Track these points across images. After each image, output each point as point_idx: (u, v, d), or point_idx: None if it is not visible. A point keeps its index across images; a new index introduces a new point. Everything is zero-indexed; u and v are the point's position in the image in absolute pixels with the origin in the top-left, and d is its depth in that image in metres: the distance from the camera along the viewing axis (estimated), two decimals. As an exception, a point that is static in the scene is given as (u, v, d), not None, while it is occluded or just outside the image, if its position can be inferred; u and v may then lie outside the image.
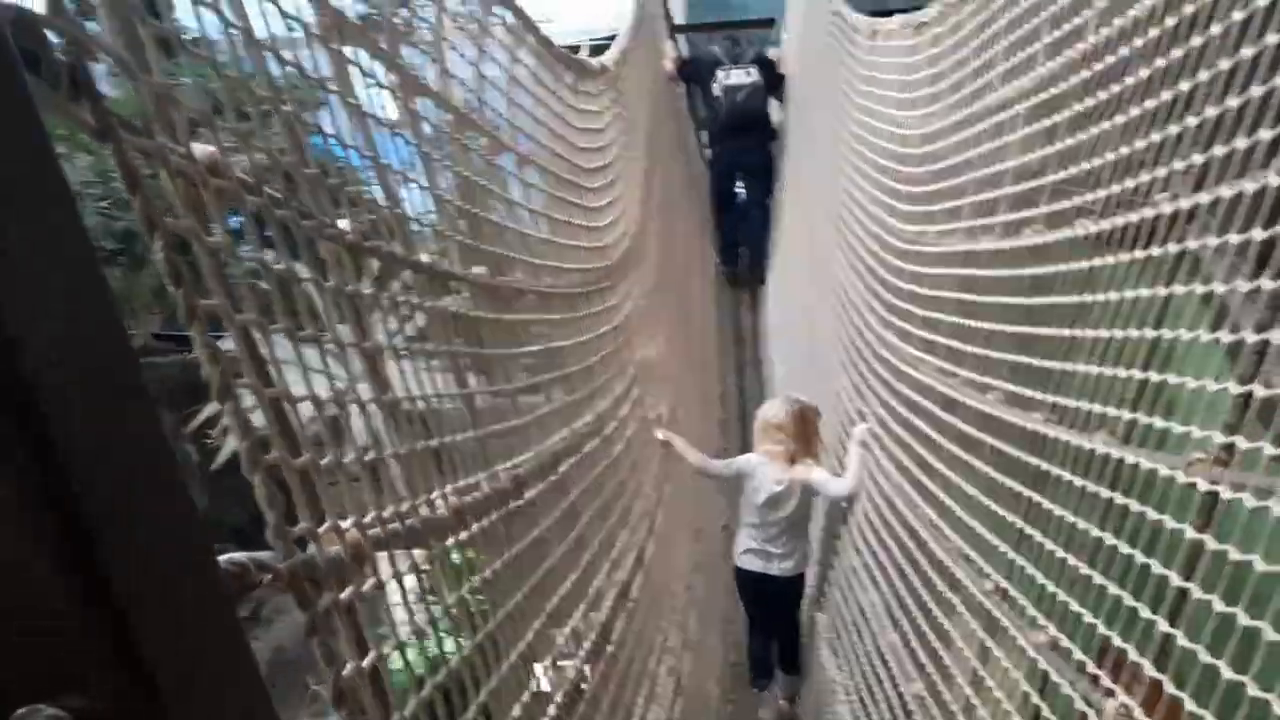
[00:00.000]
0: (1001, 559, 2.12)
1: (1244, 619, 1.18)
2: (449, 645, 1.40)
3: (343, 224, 1.27)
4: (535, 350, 2.35)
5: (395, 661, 1.14)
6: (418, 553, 1.35)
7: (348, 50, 1.47)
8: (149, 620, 0.60)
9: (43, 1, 0.73)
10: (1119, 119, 1.88)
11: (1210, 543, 1.34)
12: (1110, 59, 1.94)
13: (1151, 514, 1.47)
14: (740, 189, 8.03)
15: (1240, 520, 1.28)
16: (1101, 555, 1.63)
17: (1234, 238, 1.38)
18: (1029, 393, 2.16)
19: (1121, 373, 1.71)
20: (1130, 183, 1.80)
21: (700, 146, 8.57)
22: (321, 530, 1.00)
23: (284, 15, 1.21)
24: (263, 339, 0.99)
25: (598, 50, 4.50)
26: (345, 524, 1.07)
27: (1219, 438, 1.36)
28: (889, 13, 4.47)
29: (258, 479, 0.88)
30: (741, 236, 8.11)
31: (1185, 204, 1.59)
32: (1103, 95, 1.96)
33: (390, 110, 1.74)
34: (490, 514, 1.62)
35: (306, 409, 1.04)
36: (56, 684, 0.59)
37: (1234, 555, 1.26)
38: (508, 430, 1.93)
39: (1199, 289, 1.51)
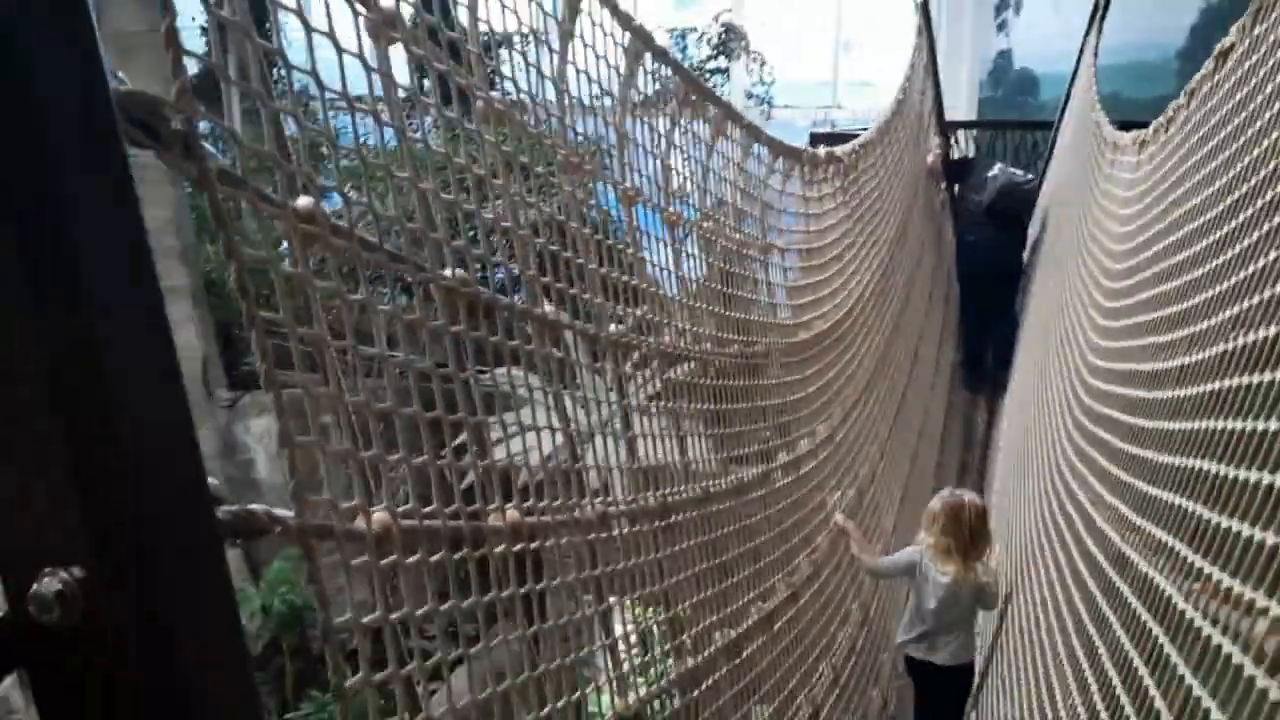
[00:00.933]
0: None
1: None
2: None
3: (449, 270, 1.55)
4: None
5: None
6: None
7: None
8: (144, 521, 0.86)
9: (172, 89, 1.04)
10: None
11: None
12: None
13: None
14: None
15: None
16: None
17: None
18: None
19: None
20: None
21: (957, 245, 8.48)
22: (346, 506, 1.26)
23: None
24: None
25: (825, 139, 4.72)
26: (375, 508, 1.32)
27: None
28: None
29: (286, 453, 1.14)
30: (986, 341, 7.96)
31: None
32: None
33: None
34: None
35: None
36: (63, 554, 0.85)
37: None
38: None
39: None
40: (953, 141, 8.67)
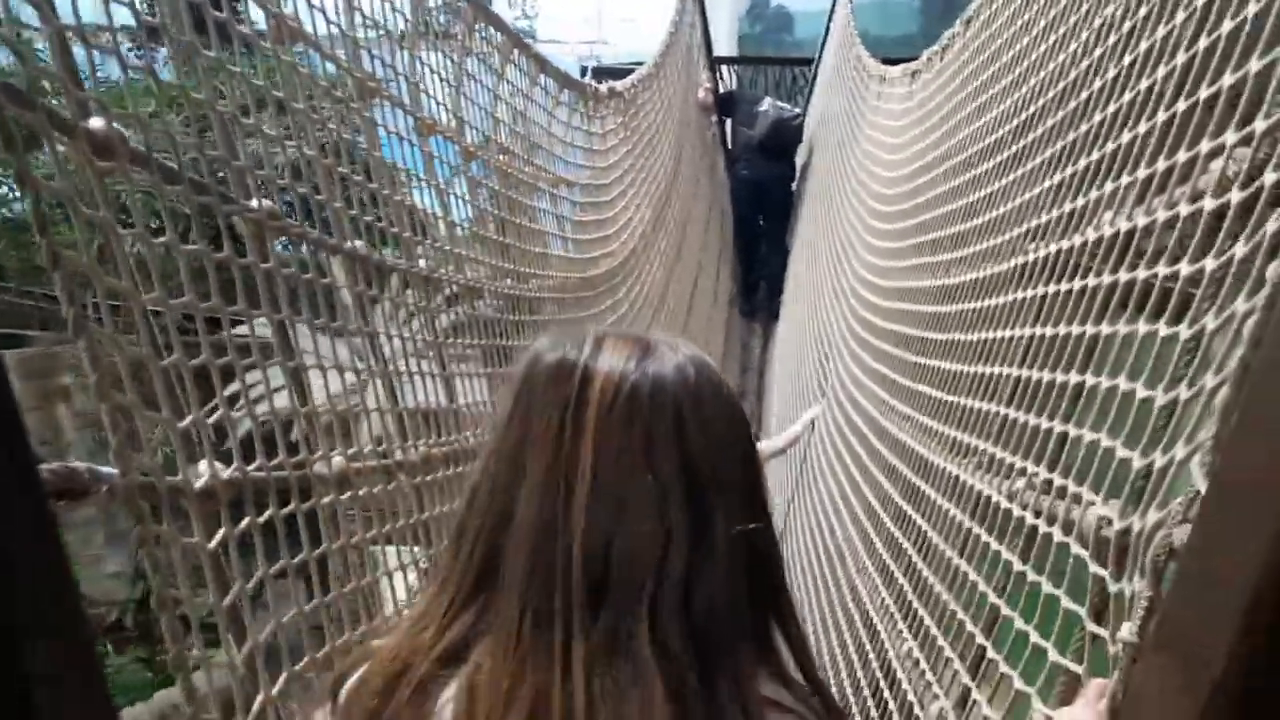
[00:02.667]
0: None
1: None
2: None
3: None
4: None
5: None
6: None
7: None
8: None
9: None
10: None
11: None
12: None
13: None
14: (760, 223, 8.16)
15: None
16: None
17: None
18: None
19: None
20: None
21: (730, 179, 8.71)
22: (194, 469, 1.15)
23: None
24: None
25: (606, 73, 4.70)
26: (202, 471, 1.22)
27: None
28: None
29: (104, 409, 1.03)
30: (760, 271, 8.26)
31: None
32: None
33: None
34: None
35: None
36: None
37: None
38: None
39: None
40: (719, 77, 8.83)
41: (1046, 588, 1.35)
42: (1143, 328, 1.29)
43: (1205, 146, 1.25)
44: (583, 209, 3.86)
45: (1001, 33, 2.46)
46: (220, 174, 1.41)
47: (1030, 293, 1.83)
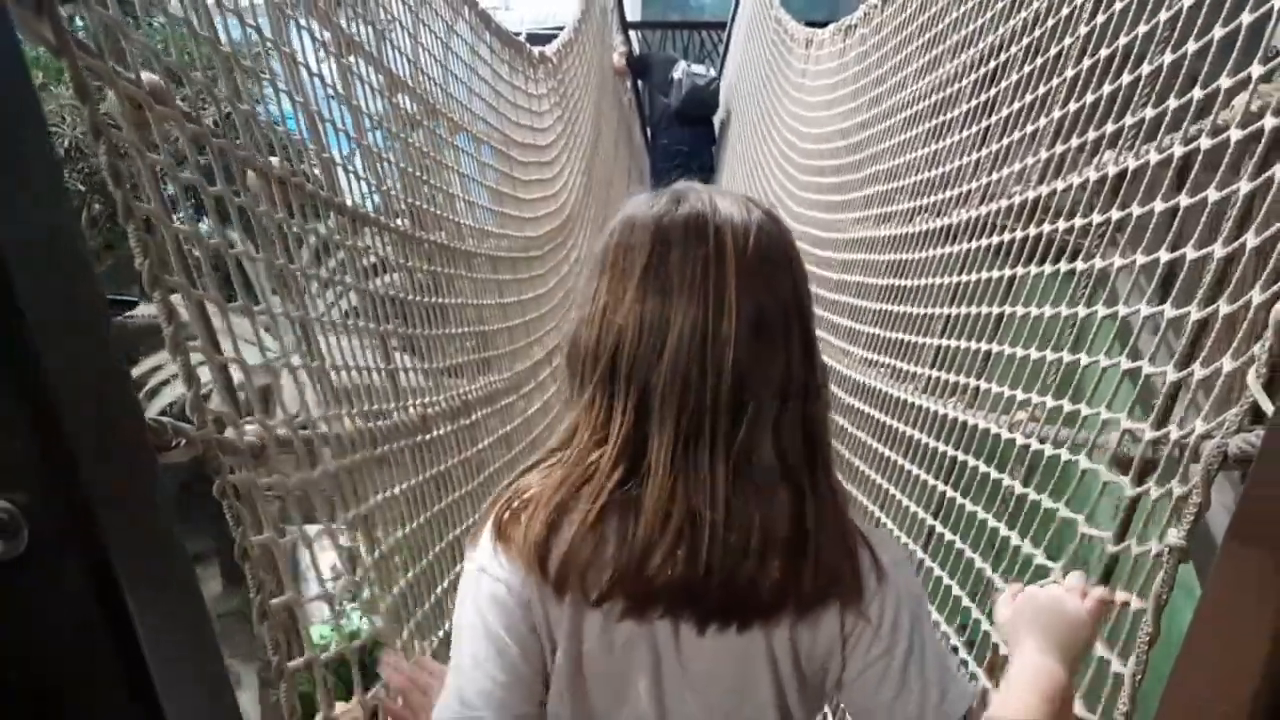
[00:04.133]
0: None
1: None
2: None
3: (274, 160, 1.41)
4: (457, 306, 2.50)
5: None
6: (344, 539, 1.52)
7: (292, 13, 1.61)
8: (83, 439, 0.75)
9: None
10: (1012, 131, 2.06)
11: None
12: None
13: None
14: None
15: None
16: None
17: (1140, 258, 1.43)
18: (951, 377, 2.18)
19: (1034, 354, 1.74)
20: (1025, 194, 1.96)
21: (645, 142, 8.72)
22: (240, 421, 1.14)
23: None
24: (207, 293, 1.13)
25: (541, 39, 4.67)
26: (252, 424, 1.21)
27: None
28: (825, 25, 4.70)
29: (180, 360, 1.02)
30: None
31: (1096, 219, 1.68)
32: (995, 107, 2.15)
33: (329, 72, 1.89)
34: (399, 441, 1.77)
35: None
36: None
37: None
38: (420, 372, 2.09)
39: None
40: (629, 42, 8.81)
41: (1064, 511, 1.43)
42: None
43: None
44: (525, 169, 3.84)
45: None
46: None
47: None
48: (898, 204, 2.84)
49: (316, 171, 1.69)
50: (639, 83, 8.46)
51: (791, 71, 5.15)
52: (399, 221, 2.09)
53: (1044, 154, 1.90)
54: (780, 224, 0.90)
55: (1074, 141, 1.79)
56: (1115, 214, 1.50)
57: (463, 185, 2.83)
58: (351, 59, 1.92)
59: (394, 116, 2.21)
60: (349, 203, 1.80)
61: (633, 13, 12.11)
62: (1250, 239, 1.12)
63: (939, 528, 1.96)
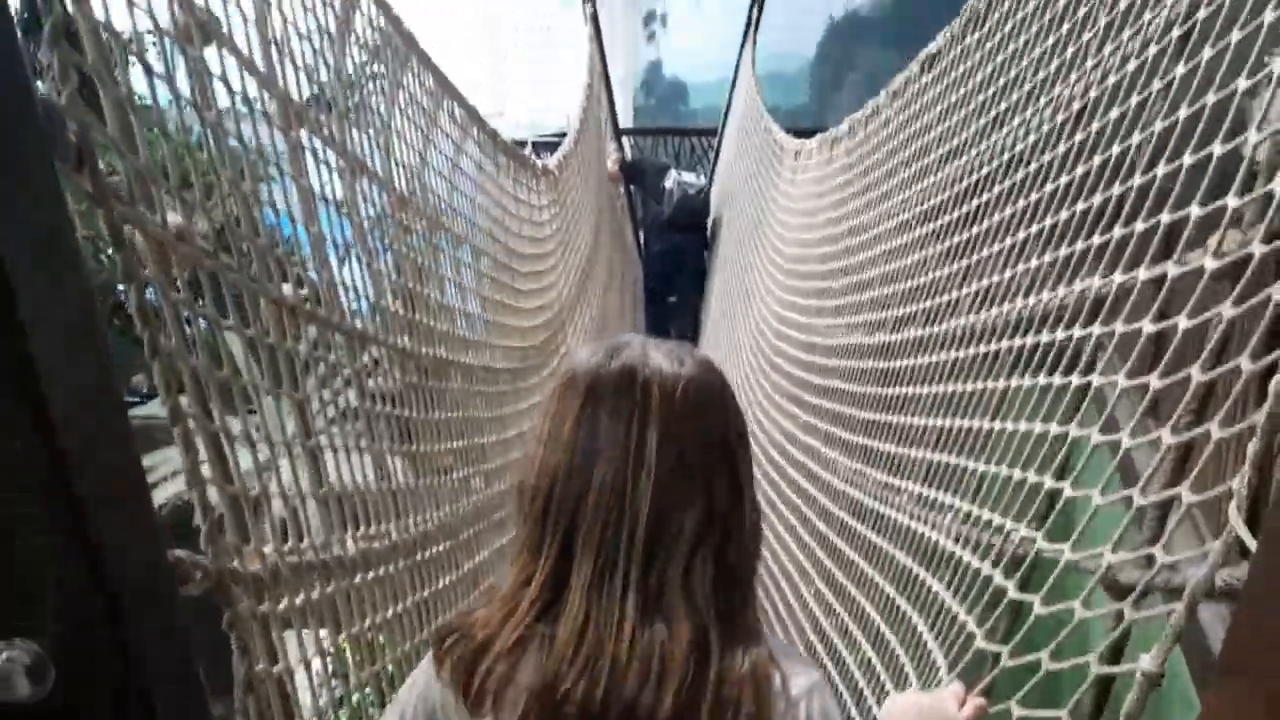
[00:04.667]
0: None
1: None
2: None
3: (286, 289, 1.46)
4: (456, 419, 2.53)
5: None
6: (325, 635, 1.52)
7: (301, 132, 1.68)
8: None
9: (65, 94, 0.93)
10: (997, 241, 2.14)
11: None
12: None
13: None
14: (672, 299, 8.33)
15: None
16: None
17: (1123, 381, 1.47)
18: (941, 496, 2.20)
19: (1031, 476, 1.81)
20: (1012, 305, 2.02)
21: (638, 245, 8.86)
22: (248, 549, 1.17)
23: (240, 97, 1.42)
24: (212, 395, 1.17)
25: (544, 146, 4.79)
26: (266, 549, 1.24)
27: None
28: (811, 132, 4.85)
29: (196, 494, 1.05)
30: (672, 333, 8.40)
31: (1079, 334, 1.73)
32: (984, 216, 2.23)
33: (336, 191, 1.95)
34: (395, 563, 1.79)
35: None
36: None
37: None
38: (420, 489, 2.11)
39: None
40: (621, 147, 9.03)
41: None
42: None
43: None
44: (525, 279, 3.92)
45: (935, 105, 2.64)
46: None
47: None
48: (890, 310, 2.90)
49: (318, 284, 1.74)
50: (631, 187, 8.64)
51: (780, 180, 5.29)
52: (403, 339, 2.14)
53: (1024, 266, 1.97)
54: (714, 371, 0.98)
55: (1062, 250, 1.84)
56: (1097, 329, 1.54)
57: (463, 298, 2.89)
58: (363, 182, 1.99)
59: (399, 234, 2.27)
60: (356, 324, 1.84)
61: (625, 119, 12.43)
62: (1245, 362, 1.16)
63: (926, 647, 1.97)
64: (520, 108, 13.80)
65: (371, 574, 1.65)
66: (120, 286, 1.80)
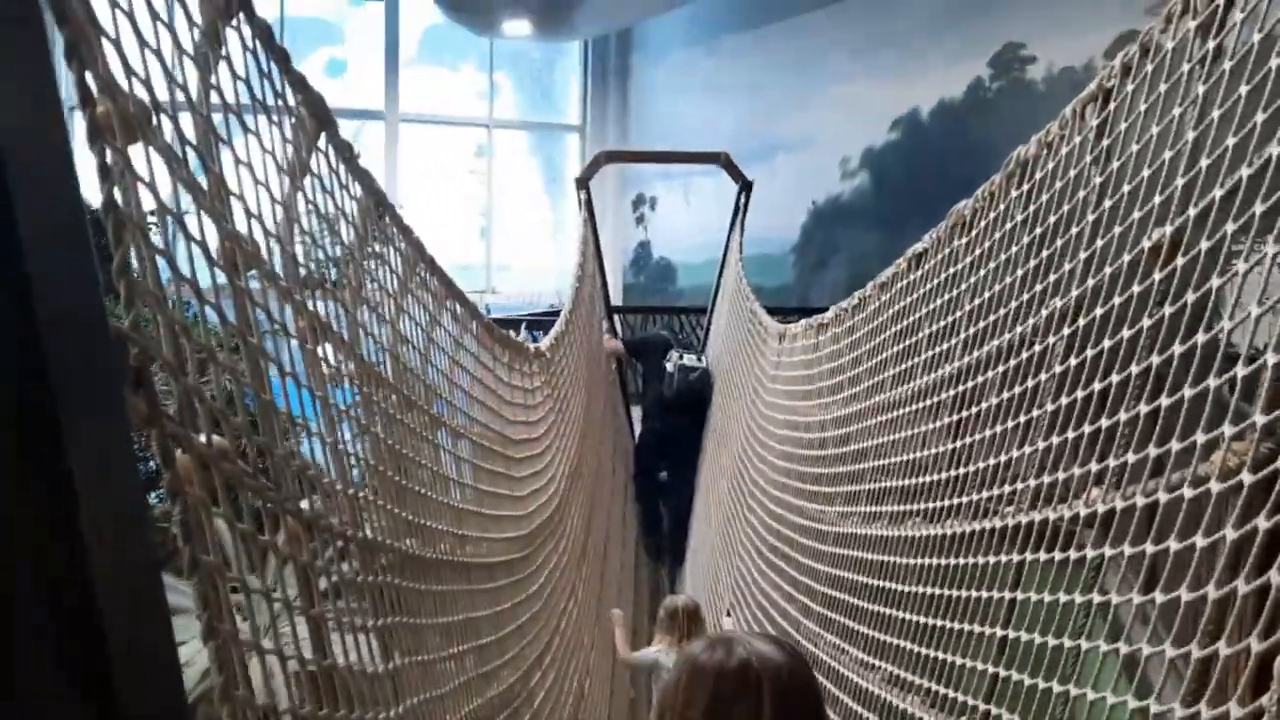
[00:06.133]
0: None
1: None
2: None
3: (304, 505, 1.49)
4: (454, 622, 2.49)
5: None
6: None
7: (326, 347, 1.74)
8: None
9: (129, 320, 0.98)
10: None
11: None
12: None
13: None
14: (664, 475, 8.38)
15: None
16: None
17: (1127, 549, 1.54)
18: (912, 677, 2.34)
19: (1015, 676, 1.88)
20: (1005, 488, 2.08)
21: (628, 418, 8.92)
22: None
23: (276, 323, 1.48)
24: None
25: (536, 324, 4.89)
26: None
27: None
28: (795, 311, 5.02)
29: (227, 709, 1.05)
30: (665, 511, 8.38)
31: (1072, 511, 1.80)
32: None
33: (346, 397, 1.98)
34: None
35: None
36: None
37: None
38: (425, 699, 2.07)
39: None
40: (614, 324, 9.22)
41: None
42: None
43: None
44: (519, 465, 3.94)
45: (928, 300, 2.75)
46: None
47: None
48: (885, 504, 2.94)
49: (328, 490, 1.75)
50: (623, 360, 8.77)
51: (766, 363, 5.42)
52: (408, 542, 2.15)
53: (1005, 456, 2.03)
54: (802, 659, 1.34)
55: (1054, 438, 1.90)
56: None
57: (461, 493, 2.91)
58: (375, 388, 2.04)
59: (406, 434, 2.30)
60: (367, 534, 1.85)
61: (615, 297, 12.73)
62: (1241, 585, 1.19)
63: None
64: (512, 285, 14.14)
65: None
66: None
